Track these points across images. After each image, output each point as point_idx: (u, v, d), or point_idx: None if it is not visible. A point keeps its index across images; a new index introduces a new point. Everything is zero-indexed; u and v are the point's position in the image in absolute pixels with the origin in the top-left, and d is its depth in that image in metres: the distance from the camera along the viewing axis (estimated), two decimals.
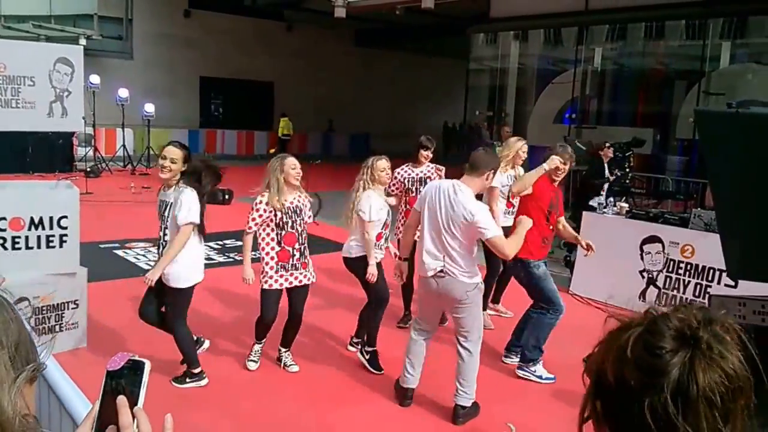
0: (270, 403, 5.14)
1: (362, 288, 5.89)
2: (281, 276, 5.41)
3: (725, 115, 2.48)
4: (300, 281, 5.50)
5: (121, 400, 1.15)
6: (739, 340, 1.12)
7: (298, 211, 5.41)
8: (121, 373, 1.18)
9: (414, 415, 5.04)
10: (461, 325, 4.95)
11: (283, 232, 5.35)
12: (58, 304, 5.76)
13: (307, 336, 6.43)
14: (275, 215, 5.31)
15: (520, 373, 5.72)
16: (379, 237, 5.74)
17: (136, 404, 1.15)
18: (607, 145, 10.34)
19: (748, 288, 3.17)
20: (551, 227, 5.83)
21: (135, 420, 1.14)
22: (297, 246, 5.43)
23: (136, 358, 1.20)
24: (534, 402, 5.39)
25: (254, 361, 5.72)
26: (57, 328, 5.74)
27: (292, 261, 5.43)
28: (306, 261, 5.52)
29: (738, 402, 1.09)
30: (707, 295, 7.13)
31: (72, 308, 5.83)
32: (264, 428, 4.78)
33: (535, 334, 5.68)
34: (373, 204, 5.60)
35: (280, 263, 5.40)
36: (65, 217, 5.72)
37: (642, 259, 7.86)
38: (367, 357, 5.84)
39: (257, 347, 5.74)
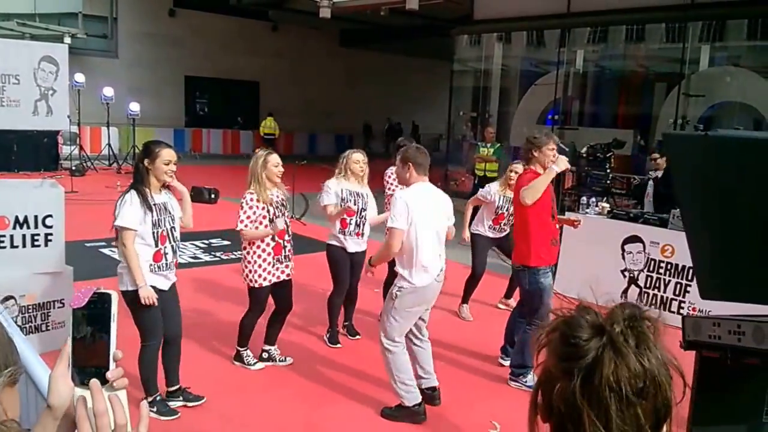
0: (257, 402, 5.17)
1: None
2: (276, 269, 5.50)
3: (693, 138, 2.53)
4: (288, 274, 5.61)
5: (95, 385, 1.10)
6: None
7: (285, 204, 5.62)
8: (88, 310, 1.13)
9: None
10: (426, 318, 5.12)
11: None
12: (44, 303, 5.75)
13: (292, 334, 6.49)
14: (267, 210, 5.38)
15: (513, 384, 5.67)
16: (344, 224, 6.09)
17: (109, 344, 1.13)
18: None
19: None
20: (557, 225, 5.80)
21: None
22: (287, 237, 5.56)
23: (102, 290, 1.15)
24: (518, 400, 5.45)
25: (255, 360, 5.79)
26: (43, 327, 5.75)
27: (284, 252, 5.54)
28: (291, 253, 5.68)
29: (651, 402, 1.09)
30: (681, 317, 7.23)
31: (58, 307, 5.82)
32: (250, 427, 4.82)
33: (521, 352, 5.65)
34: (328, 191, 6.08)
35: (275, 257, 5.47)
36: (50, 216, 5.70)
37: (623, 258, 7.96)
38: (327, 335, 6.40)
39: (248, 351, 5.78)
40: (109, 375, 1.13)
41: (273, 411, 5.05)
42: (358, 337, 6.55)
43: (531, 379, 5.59)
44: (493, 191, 7.15)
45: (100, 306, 1.13)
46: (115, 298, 1.14)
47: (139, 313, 4.59)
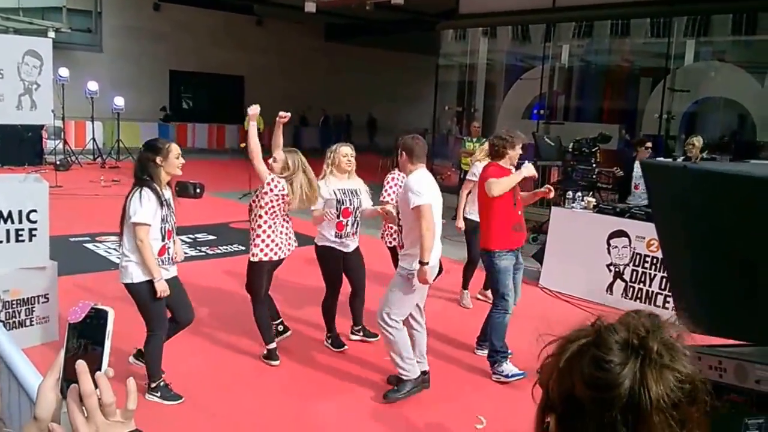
0: (244, 399, 5.17)
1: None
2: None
3: (672, 168, 2.52)
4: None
5: (81, 366, 1.08)
6: (688, 346, 1.07)
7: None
8: (84, 325, 1.12)
9: (391, 407, 5.10)
10: (423, 302, 5.35)
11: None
12: (28, 298, 5.73)
13: None
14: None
15: (494, 378, 5.68)
16: (340, 227, 5.91)
17: (101, 358, 1.11)
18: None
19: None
20: (519, 212, 5.91)
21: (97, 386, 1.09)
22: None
23: (99, 306, 1.13)
24: (504, 394, 5.48)
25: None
26: (27, 322, 5.73)
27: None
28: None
29: (694, 407, 1.04)
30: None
31: (42, 302, 5.81)
32: (238, 423, 4.80)
33: (491, 338, 5.73)
34: (321, 192, 5.88)
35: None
36: (34, 210, 5.69)
37: (609, 253, 8.00)
38: (329, 341, 6.22)
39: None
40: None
41: (261, 407, 5.05)
42: (376, 338, 6.25)
43: (507, 368, 5.63)
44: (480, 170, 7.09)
45: (97, 322, 1.12)
46: (112, 315, 1.13)
47: (146, 305, 4.76)
